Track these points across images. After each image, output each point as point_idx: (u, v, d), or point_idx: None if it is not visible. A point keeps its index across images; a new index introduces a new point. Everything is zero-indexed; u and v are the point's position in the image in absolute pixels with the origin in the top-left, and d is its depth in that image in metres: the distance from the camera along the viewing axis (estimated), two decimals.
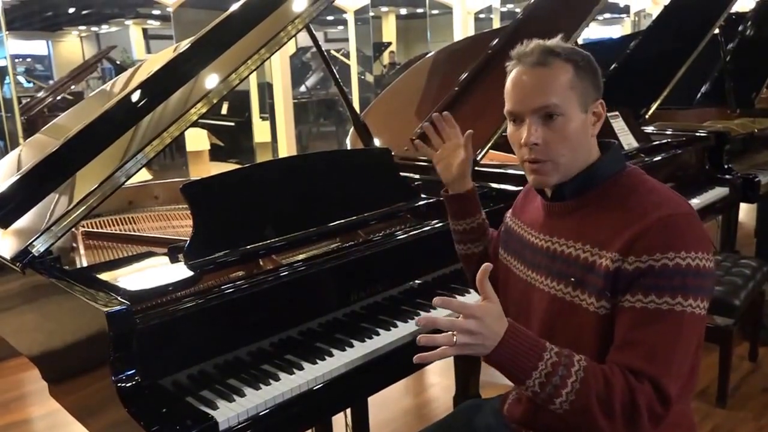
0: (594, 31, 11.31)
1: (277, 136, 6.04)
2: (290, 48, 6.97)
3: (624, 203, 1.11)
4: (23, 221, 1.59)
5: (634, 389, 0.99)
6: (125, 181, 1.52)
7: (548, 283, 1.18)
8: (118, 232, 1.93)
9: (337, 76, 2.21)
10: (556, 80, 1.10)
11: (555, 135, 1.11)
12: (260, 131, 6.84)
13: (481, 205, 1.48)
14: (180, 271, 1.42)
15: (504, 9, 9.30)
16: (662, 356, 1.01)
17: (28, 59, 10.09)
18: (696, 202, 2.78)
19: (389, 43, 10.37)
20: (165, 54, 2.15)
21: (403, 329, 1.53)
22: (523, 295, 1.25)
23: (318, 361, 1.39)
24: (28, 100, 6.72)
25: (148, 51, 8.55)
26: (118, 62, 7.87)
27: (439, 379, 2.85)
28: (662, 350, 1.01)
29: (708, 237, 1.10)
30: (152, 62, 2.24)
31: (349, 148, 2.59)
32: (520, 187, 1.64)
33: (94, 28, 9.69)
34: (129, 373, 1.20)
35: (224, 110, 6.71)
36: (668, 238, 1.03)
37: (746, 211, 4.13)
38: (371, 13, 8.29)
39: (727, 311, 2.36)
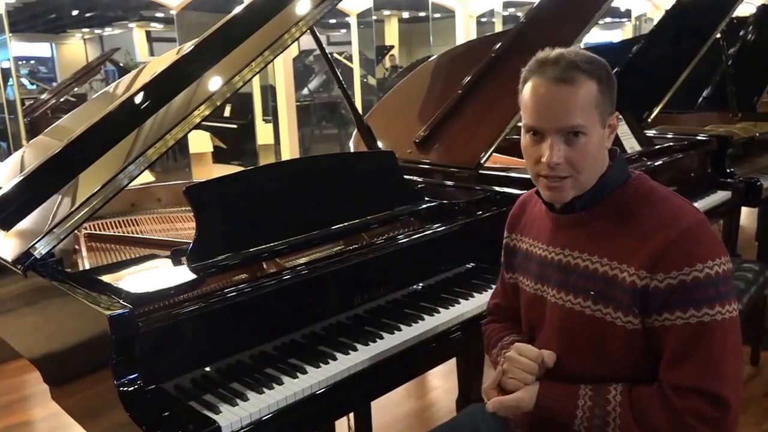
0: (595, 35, 11.31)
1: (280, 138, 6.04)
2: (293, 51, 6.96)
3: (637, 214, 1.11)
4: (25, 223, 1.58)
5: (678, 410, 1.02)
6: (128, 184, 1.53)
7: (562, 296, 1.17)
8: (120, 234, 1.93)
9: (341, 79, 2.21)
10: (581, 99, 1.08)
11: (577, 153, 1.09)
12: (263, 134, 6.83)
13: None
14: (183, 274, 1.41)
15: (506, 13, 9.30)
16: (714, 367, 1.03)
17: (32, 61, 10.10)
18: (698, 206, 2.75)
19: (392, 47, 10.37)
20: (168, 56, 2.16)
21: (406, 333, 1.53)
22: (533, 309, 1.25)
23: (321, 364, 1.39)
24: (32, 101, 6.73)
25: (152, 54, 8.55)
26: (121, 64, 7.87)
27: (441, 383, 2.84)
28: (713, 361, 1.03)
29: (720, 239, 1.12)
30: (155, 64, 2.24)
31: (352, 150, 2.59)
32: (523, 191, 1.64)
33: (98, 31, 9.69)
34: (131, 376, 1.19)
35: (227, 112, 6.70)
36: (692, 250, 1.04)
37: (747, 215, 4.11)
38: (374, 17, 8.29)
39: None
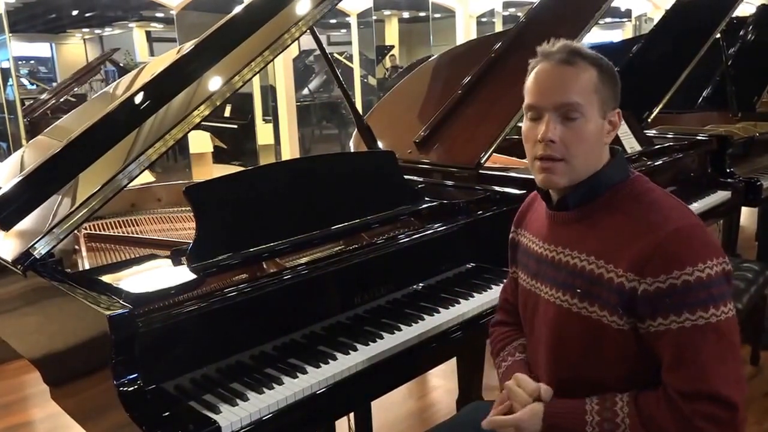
0: (595, 35, 11.30)
1: (280, 138, 6.04)
2: (293, 51, 6.97)
3: (628, 214, 1.11)
4: (25, 223, 1.58)
5: (686, 416, 1.01)
6: (128, 184, 1.53)
7: (553, 293, 1.17)
8: (120, 234, 1.93)
9: (341, 79, 2.21)
10: (581, 80, 1.10)
11: (573, 135, 1.10)
12: (263, 134, 6.83)
13: None
14: (183, 274, 1.42)
15: (506, 13, 9.29)
16: (714, 370, 1.02)
17: (32, 61, 10.10)
18: (698, 206, 2.78)
19: (392, 47, 10.37)
20: (168, 56, 2.16)
21: (406, 333, 1.53)
22: (528, 305, 1.25)
23: (321, 364, 1.39)
24: (32, 102, 6.72)
25: (152, 54, 8.54)
26: (121, 64, 7.87)
27: (442, 382, 2.84)
28: (712, 364, 1.02)
29: (715, 240, 1.10)
30: (155, 64, 2.24)
31: (352, 150, 2.59)
32: (523, 191, 1.64)
33: (98, 31, 9.68)
34: (131, 377, 1.19)
35: (227, 113, 6.70)
36: (681, 253, 1.03)
37: (747, 215, 4.12)
38: (374, 17, 8.29)
39: None
